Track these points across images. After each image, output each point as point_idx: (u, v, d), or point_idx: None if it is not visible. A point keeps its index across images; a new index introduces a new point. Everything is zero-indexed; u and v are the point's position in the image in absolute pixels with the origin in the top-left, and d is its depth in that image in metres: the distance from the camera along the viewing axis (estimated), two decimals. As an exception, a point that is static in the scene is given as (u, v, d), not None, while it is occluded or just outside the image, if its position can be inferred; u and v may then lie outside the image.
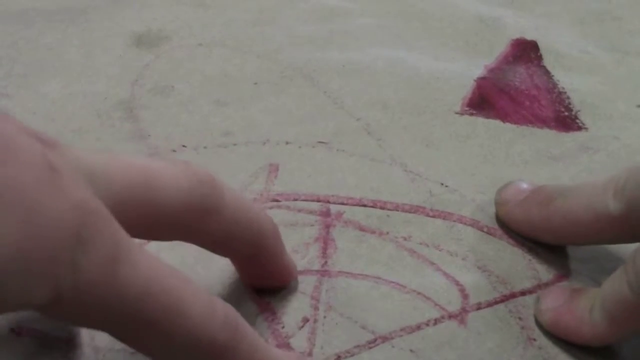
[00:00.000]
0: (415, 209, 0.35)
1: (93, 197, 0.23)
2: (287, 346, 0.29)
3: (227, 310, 0.25)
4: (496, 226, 0.34)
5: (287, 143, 0.38)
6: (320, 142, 0.38)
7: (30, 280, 0.21)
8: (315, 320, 0.30)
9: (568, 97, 0.42)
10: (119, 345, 0.28)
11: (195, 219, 0.26)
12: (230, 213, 0.27)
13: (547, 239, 0.33)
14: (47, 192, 0.21)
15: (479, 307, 0.31)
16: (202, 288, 0.25)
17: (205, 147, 0.37)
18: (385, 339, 0.29)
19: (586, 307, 0.29)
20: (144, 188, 0.25)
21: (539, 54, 0.45)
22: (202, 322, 0.24)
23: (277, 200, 0.34)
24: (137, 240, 0.24)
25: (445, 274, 0.32)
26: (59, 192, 0.21)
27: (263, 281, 0.30)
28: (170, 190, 0.25)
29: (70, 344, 0.28)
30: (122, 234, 0.23)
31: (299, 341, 0.29)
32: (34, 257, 0.21)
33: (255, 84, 0.41)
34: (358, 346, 0.29)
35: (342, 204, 0.35)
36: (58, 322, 0.24)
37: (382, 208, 0.35)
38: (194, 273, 0.31)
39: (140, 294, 0.23)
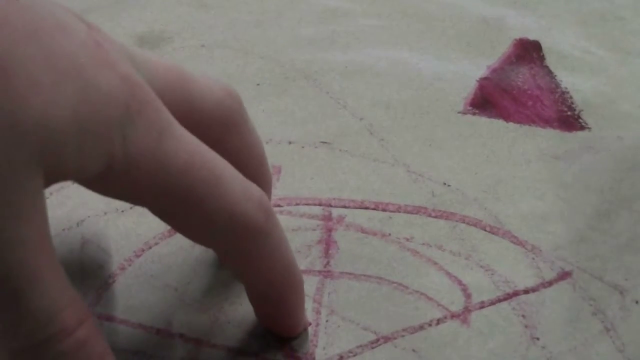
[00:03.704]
0: (417, 210, 0.35)
1: (136, 73, 0.23)
2: (288, 347, 0.29)
3: (261, 194, 0.25)
4: (499, 225, 0.34)
5: (289, 143, 0.38)
6: (323, 142, 0.38)
7: (86, 146, 0.21)
8: (318, 324, 0.30)
9: (571, 97, 0.42)
10: (118, 345, 0.28)
11: (220, 130, 0.27)
12: (249, 133, 0.28)
13: None
14: (96, 64, 0.22)
15: (482, 306, 0.31)
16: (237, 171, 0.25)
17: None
18: (387, 339, 0.29)
19: None
20: (181, 89, 0.26)
21: (541, 54, 0.45)
22: (240, 201, 0.24)
23: (279, 206, 0.34)
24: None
25: (448, 274, 0.32)
26: (107, 65, 0.22)
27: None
28: (204, 95, 0.27)
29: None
30: (165, 109, 0.23)
31: (301, 342, 0.29)
32: (89, 124, 0.21)
33: (258, 84, 0.41)
34: (360, 346, 0.29)
35: (344, 207, 0.35)
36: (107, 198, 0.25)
37: (384, 210, 0.35)
38: (193, 275, 0.31)
39: (183, 165, 0.23)
